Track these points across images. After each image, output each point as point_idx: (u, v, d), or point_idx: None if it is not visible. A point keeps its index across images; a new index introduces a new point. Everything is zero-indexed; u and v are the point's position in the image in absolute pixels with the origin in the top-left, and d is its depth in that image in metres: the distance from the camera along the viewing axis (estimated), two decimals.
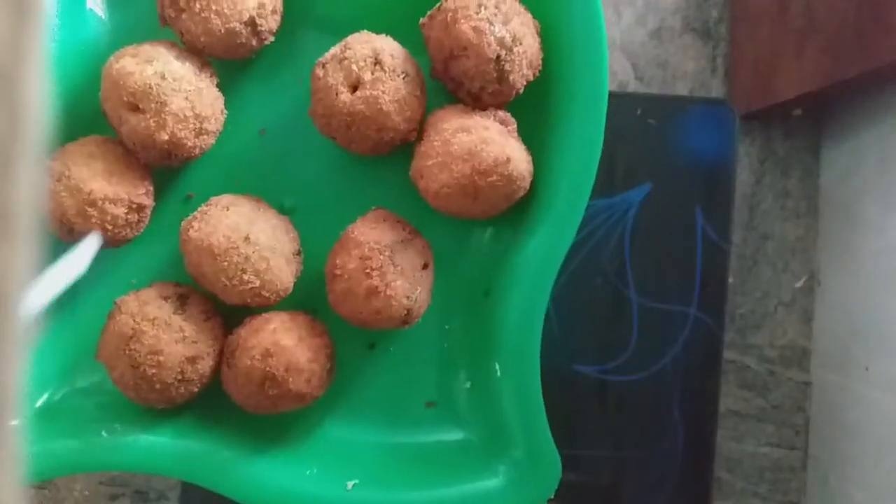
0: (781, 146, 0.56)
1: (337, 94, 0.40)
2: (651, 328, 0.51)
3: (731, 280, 0.55)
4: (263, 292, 0.41)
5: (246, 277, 0.40)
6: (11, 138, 0.14)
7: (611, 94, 0.52)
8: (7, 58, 0.14)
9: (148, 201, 0.43)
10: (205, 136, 0.42)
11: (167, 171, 0.45)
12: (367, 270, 0.40)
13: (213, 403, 0.44)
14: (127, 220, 0.41)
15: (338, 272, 0.41)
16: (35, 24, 0.14)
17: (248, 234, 0.40)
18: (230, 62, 0.45)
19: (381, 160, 0.45)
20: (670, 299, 0.51)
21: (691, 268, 0.51)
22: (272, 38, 0.44)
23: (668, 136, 0.51)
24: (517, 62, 0.40)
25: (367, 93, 0.40)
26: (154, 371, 0.40)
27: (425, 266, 0.43)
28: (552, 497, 0.48)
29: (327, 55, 0.42)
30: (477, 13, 0.40)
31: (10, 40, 0.14)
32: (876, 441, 0.49)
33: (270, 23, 0.43)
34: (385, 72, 0.41)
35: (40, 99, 0.14)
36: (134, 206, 0.42)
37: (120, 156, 0.42)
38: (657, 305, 0.51)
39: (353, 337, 0.45)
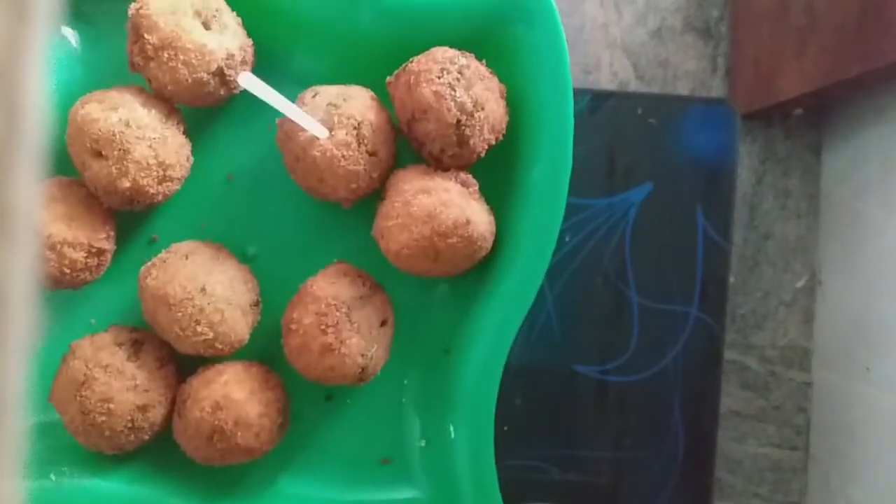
0: (782, 146, 0.56)
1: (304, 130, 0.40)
2: (652, 328, 0.51)
3: (731, 280, 0.54)
4: (217, 344, 0.41)
5: (199, 329, 0.40)
6: (10, 138, 0.14)
7: (611, 94, 0.52)
8: (6, 58, 0.13)
9: (108, 245, 0.42)
10: (168, 183, 0.42)
11: (133, 213, 0.44)
12: (323, 327, 0.40)
13: (165, 451, 0.43)
14: (86, 264, 0.41)
15: (293, 327, 0.41)
16: (34, 25, 0.14)
17: (204, 285, 0.40)
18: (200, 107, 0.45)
19: (347, 212, 0.45)
20: (671, 299, 0.51)
21: (692, 268, 0.51)
22: (241, 88, 0.44)
23: (669, 135, 0.51)
24: (478, 127, 0.41)
25: (330, 147, 0.40)
26: (104, 419, 0.39)
27: (384, 323, 0.43)
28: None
29: (330, 90, 0.42)
30: (439, 77, 0.40)
31: (10, 40, 0.13)
32: (877, 441, 0.49)
33: (240, 73, 0.43)
34: (358, 140, 0.41)
35: (39, 100, 0.14)
36: (94, 250, 0.41)
37: (82, 198, 0.42)
38: (658, 305, 0.51)
39: (310, 388, 0.45)
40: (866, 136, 0.52)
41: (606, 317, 0.51)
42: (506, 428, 0.49)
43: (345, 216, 0.46)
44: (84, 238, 0.41)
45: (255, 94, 0.40)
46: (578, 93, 0.42)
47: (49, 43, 0.42)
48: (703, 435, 0.51)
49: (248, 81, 0.40)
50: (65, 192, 0.41)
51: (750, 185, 0.56)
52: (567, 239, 0.50)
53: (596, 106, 0.51)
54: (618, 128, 0.51)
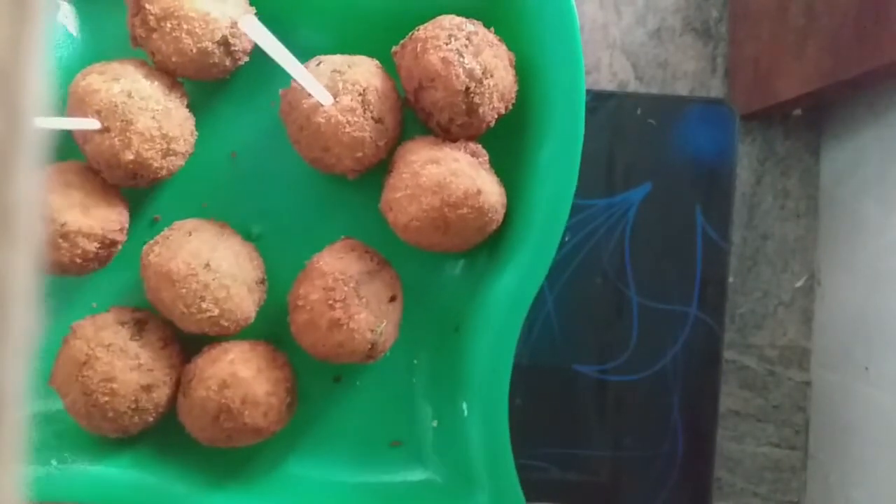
0: (781, 146, 0.56)
1: (310, 94, 0.40)
2: (651, 328, 0.51)
3: (731, 280, 0.55)
4: (222, 321, 0.40)
5: (204, 305, 0.39)
6: (12, 138, 0.14)
7: (611, 94, 0.52)
8: (7, 57, 0.13)
9: (121, 237, 0.41)
10: (173, 157, 0.41)
11: (134, 193, 0.44)
12: (330, 302, 0.39)
13: (169, 434, 0.42)
14: (97, 254, 0.40)
15: (300, 303, 0.40)
16: (35, 24, 0.14)
17: (208, 261, 0.39)
18: (203, 83, 0.44)
19: (353, 188, 0.44)
20: (670, 299, 0.51)
21: (691, 268, 0.51)
22: (246, 59, 0.43)
23: (668, 135, 0.51)
24: (487, 95, 0.40)
25: (335, 113, 0.39)
26: (107, 399, 0.39)
27: (393, 299, 0.42)
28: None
29: (335, 58, 0.41)
30: (447, 44, 0.39)
31: (11, 40, 0.13)
32: (876, 441, 0.49)
33: (244, 42, 0.42)
34: (363, 106, 0.40)
35: (40, 99, 0.14)
36: (107, 241, 0.40)
37: (98, 187, 0.41)
38: (657, 305, 0.51)
39: (319, 369, 0.44)
40: (865, 137, 0.52)
41: (606, 316, 0.51)
42: None
43: (352, 192, 0.45)
44: (99, 229, 0.40)
45: (258, 42, 0.38)
46: None
47: (50, 38, 0.41)
48: (702, 434, 0.51)
49: (251, 27, 0.38)
50: (82, 178, 0.40)
51: (749, 186, 0.56)
52: (567, 239, 0.50)
53: (596, 106, 0.51)
54: (617, 128, 0.51)
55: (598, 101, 0.51)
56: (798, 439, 0.56)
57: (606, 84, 0.56)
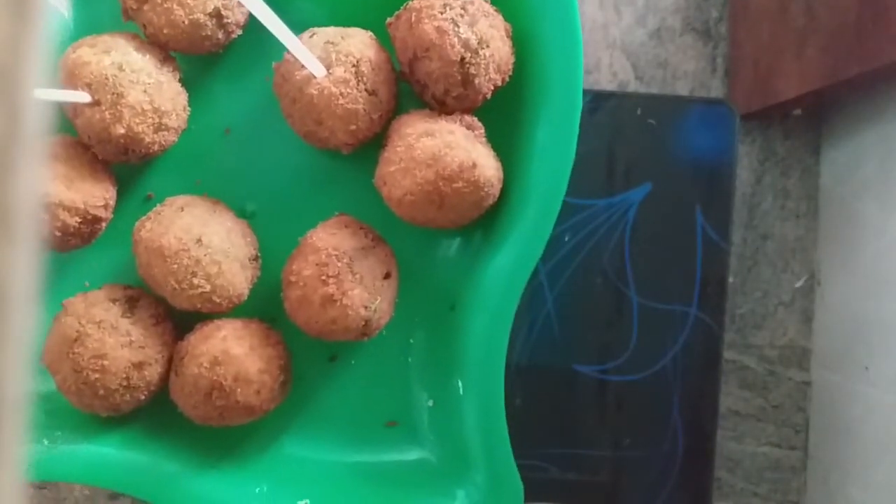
0: (781, 146, 0.56)
1: (302, 66, 0.39)
2: (651, 328, 0.51)
3: (731, 280, 0.55)
4: (214, 297, 0.39)
5: (196, 281, 0.39)
6: (11, 138, 0.14)
7: (611, 94, 0.52)
8: (7, 58, 0.13)
9: (105, 214, 0.41)
10: (164, 132, 0.40)
11: (127, 170, 0.43)
12: (324, 277, 0.39)
13: (162, 413, 0.42)
14: (78, 229, 0.39)
15: (293, 279, 0.40)
16: (35, 24, 0.14)
17: (200, 237, 0.39)
18: (196, 58, 0.43)
19: (348, 164, 0.44)
20: (670, 299, 0.51)
21: (691, 268, 0.51)
22: (240, 32, 0.42)
23: (668, 135, 0.51)
24: (483, 65, 0.39)
25: (328, 85, 0.39)
26: (97, 376, 0.38)
27: (388, 275, 0.41)
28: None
29: (328, 30, 0.41)
30: (441, 13, 0.38)
31: (10, 40, 0.13)
32: (876, 441, 0.49)
33: (237, 15, 0.41)
34: (357, 78, 0.39)
35: (40, 99, 0.14)
36: (89, 216, 0.39)
37: (85, 162, 0.40)
38: (657, 305, 0.51)
39: (314, 348, 0.44)
40: (865, 137, 0.52)
41: (606, 317, 0.51)
42: None
43: (346, 169, 0.44)
44: (81, 203, 0.39)
45: (250, 8, 0.38)
46: None
47: (50, 36, 0.41)
48: (702, 434, 0.51)
49: None
50: (70, 152, 0.40)
51: (749, 186, 0.56)
52: (567, 239, 0.50)
53: (596, 106, 0.51)
54: (617, 128, 0.51)
55: (598, 101, 0.51)
56: (798, 439, 0.56)
57: (606, 84, 0.56)
